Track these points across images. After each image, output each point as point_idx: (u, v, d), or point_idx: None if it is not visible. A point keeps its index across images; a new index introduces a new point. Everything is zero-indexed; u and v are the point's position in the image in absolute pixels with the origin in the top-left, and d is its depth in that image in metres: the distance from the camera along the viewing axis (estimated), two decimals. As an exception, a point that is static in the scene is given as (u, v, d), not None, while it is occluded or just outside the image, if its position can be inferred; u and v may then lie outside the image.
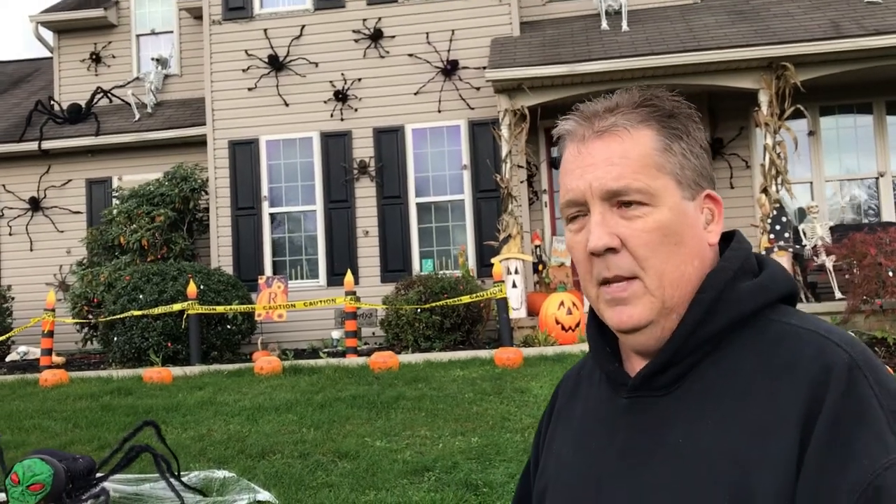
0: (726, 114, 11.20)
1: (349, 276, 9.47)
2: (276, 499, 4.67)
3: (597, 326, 1.10)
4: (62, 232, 13.20)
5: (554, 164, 11.74)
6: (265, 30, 11.63)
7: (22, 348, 10.86)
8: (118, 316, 9.35)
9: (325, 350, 9.40)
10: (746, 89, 10.02)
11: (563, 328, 9.51)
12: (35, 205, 13.25)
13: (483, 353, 8.02)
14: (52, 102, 13.85)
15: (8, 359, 11.17)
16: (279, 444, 5.59)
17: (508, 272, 10.06)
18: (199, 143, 12.59)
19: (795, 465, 0.86)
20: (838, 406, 0.86)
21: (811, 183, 11.17)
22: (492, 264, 10.59)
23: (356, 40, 11.45)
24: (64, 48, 14.13)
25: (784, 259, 9.64)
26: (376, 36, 11.37)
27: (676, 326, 0.98)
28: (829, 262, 9.82)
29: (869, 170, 11.19)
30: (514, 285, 10.01)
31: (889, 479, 0.82)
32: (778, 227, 9.80)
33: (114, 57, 13.98)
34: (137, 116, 13.08)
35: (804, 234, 10.36)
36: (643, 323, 0.98)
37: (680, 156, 1.00)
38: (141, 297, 9.48)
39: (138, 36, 14.03)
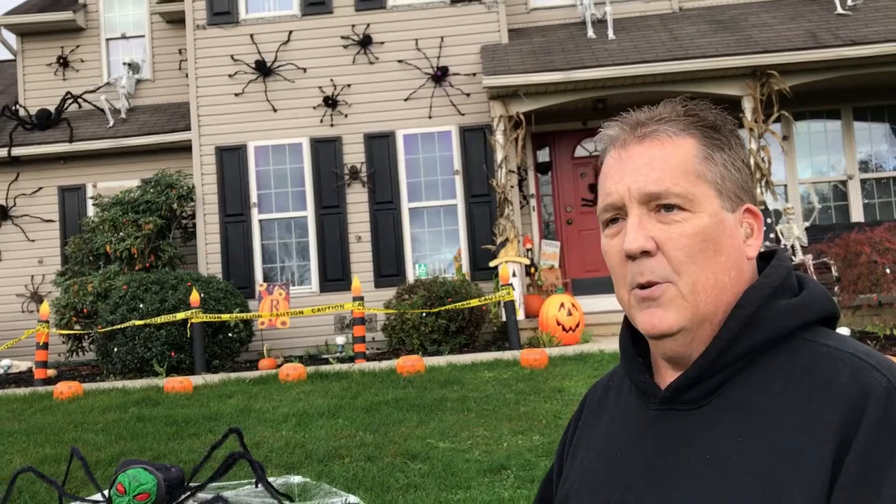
0: (705, 119, 11.62)
1: (356, 282, 9.50)
2: (367, 502, 4.73)
3: (630, 336, 1.09)
4: (33, 241, 12.81)
5: (540, 169, 11.99)
6: (251, 35, 11.56)
7: (5, 361, 10.52)
8: (120, 326, 9.17)
9: (335, 356, 9.39)
10: (731, 96, 10.45)
11: (563, 329, 9.75)
12: (3, 213, 12.82)
13: (506, 355, 8.17)
14: (16, 107, 13.42)
15: (-11, 373, 10.80)
16: (342, 448, 5.63)
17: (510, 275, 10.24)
18: (178, 150, 12.42)
19: (828, 488, 0.85)
20: (875, 431, 0.85)
21: (785, 185, 11.70)
22: (486, 268, 10.80)
23: (345, 46, 11.48)
24: (28, 52, 13.71)
25: (770, 258, 10.08)
26: (365, 42, 11.42)
27: (711, 341, 0.97)
28: (809, 261, 10.33)
29: (838, 173, 11.80)
30: (513, 288, 10.19)
31: None
32: (763, 228, 10.25)
33: (82, 61, 13.64)
34: (112, 122, 12.80)
35: (781, 234, 10.85)
36: (674, 329, 0.97)
37: (721, 166, 1.00)
38: (142, 306, 9.31)
39: (108, 40, 13.72)
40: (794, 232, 10.78)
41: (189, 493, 4.50)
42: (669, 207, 0.97)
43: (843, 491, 0.84)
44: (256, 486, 5.01)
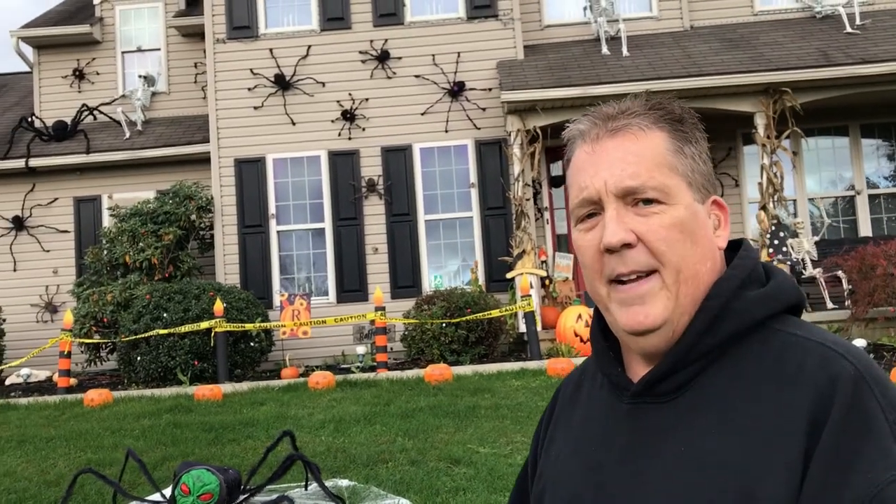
0: (716, 135, 11.78)
1: (378, 292, 9.62)
2: (417, 504, 4.84)
3: (600, 329, 1.09)
4: (48, 252, 12.88)
5: (554, 182, 12.17)
6: (271, 49, 11.72)
7: (24, 370, 10.57)
8: (144, 335, 9.26)
9: (356, 365, 9.50)
10: (744, 112, 10.65)
11: (581, 340, 9.87)
12: (19, 224, 12.90)
13: (531, 365, 8.30)
14: (32, 118, 13.52)
15: (8, 382, 10.84)
16: (384, 453, 5.74)
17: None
18: (194, 161, 12.53)
19: (799, 475, 0.86)
20: (843, 418, 0.86)
21: (795, 200, 11.90)
22: (501, 279, 10.95)
23: (363, 61, 11.65)
24: (45, 64, 13.83)
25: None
26: (383, 57, 11.60)
27: (682, 333, 0.98)
28: (819, 275, 10.52)
29: (846, 188, 12.01)
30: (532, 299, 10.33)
31: (892, 494, 0.82)
32: (776, 242, 10.44)
33: (98, 74, 13.77)
34: (128, 134, 12.92)
35: (792, 248, 11.04)
36: (659, 323, 0.97)
37: (690, 159, 1.02)
38: (165, 315, 9.41)
39: (123, 53, 13.86)
40: (804, 246, 10.96)
41: (248, 494, 4.62)
42: (647, 201, 0.98)
43: (814, 479, 0.85)
44: (306, 489, 5.13)
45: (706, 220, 1.02)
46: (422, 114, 11.51)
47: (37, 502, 5.17)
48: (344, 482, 5.29)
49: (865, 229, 11.82)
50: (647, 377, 1.00)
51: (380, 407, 6.95)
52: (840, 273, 10.19)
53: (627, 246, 0.97)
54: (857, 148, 11.98)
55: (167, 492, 4.67)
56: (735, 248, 1.06)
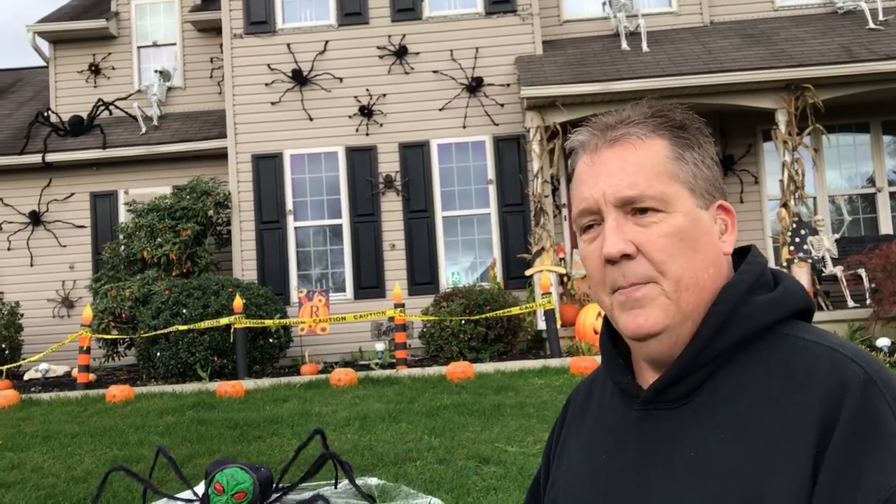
0: (736, 132, 11.76)
1: (397, 289, 9.59)
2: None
3: (610, 337, 1.09)
4: (64, 247, 12.88)
5: (570, 179, 12.09)
6: (288, 44, 11.67)
7: (43, 366, 10.57)
8: (164, 331, 9.24)
9: (375, 362, 9.47)
10: (765, 109, 10.57)
11: (600, 338, 9.83)
12: (36, 219, 12.90)
13: (553, 363, 8.26)
14: (47, 113, 13.52)
15: (27, 377, 10.85)
16: (411, 451, 5.71)
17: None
18: (211, 157, 12.51)
19: (810, 479, 0.85)
20: (853, 422, 0.86)
21: (815, 198, 11.81)
22: (519, 276, 10.90)
23: (381, 56, 11.60)
24: (61, 59, 13.82)
25: (804, 269, 10.19)
26: (401, 52, 11.54)
27: (690, 339, 0.98)
28: (840, 273, 10.44)
29: (867, 185, 11.92)
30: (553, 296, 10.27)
31: None
32: (797, 240, 10.36)
33: (114, 69, 13.75)
34: (144, 129, 12.90)
35: (812, 246, 10.97)
36: (658, 328, 0.97)
37: (692, 165, 1.01)
38: (185, 311, 9.39)
39: (139, 48, 13.84)
40: (824, 244, 10.87)
41: (281, 493, 4.59)
42: (645, 210, 0.97)
43: (825, 483, 0.84)
44: (336, 487, 5.10)
45: (710, 226, 1.01)
46: (439, 109, 11.46)
47: (66, 499, 5.16)
48: (373, 480, 5.26)
49: (886, 227, 11.73)
50: (656, 384, 1.00)
51: (403, 405, 6.92)
52: (861, 271, 10.11)
53: (627, 257, 0.97)
54: (878, 145, 11.88)
55: (198, 489, 4.65)
56: (744, 254, 1.05)
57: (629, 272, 0.97)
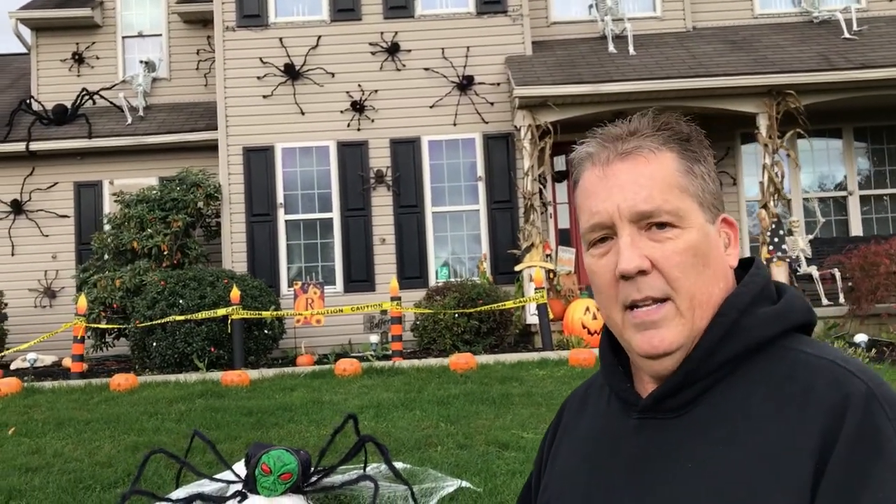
0: (716, 135, 12.12)
1: (394, 283, 9.75)
2: (476, 486, 5.00)
3: (610, 345, 1.09)
4: (47, 236, 12.78)
5: (558, 177, 12.38)
6: (280, 38, 11.75)
7: (31, 355, 10.50)
8: (161, 321, 9.28)
9: (370, 353, 9.62)
10: (747, 113, 10.95)
11: (588, 332, 10.12)
12: (18, 208, 12.78)
13: (551, 355, 8.50)
14: (30, 101, 13.39)
15: (13, 366, 10.77)
16: (430, 437, 5.89)
17: (531, 280, 10.58)
18: (198, 149, 12.53)
19: (809, 493, 0.85)
20: (855, 437, 0.85)
21: (790, 200, 12.26)
22: (508, 272, 11.14)
23: (373, 52, 11.74)
24: (43, 47, 13.69)
25: (782, 269, 10.61)
26: (393, 49, 11.69)
27: (692, 349, 0.97)
28: (815, 272, 10.89)
29: (839, 188, 12.41)
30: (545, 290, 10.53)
31: None
32: (776, 240, 10.77)
33: (98, 58, 13.66)
34: (130, 120, 12.86)
35: (788, 246, 11.40)
36: (674, 347, 0.97)
37: (700, 178, 1.00)
38: (181, 302, 9.44)
39: (124, 38, 13.77)
40: (798, 244, 11.32)
41: (321, 474, 4.75)
42: (661, 225, 0.97)
43: (825, 497, 0.84)
44: (365, 470, 5.27)
45: (717, 241, 1.01)
46: (430, 106, 11.64)
47: (95, 482, 5.24)
48: (399, 465, 5.43)
49: (856, 229, 12.22)
50: (655, 393, 1.00)
51: (413, 394, 7.10)
52: (835, 271, 10.56)
53: (642, 273, 0.97)
54: (849, 150, 12.38)
55: (237, 468, 4.79)
56: (746, 266, 1.05)
57: (644, 286, 0.97)
